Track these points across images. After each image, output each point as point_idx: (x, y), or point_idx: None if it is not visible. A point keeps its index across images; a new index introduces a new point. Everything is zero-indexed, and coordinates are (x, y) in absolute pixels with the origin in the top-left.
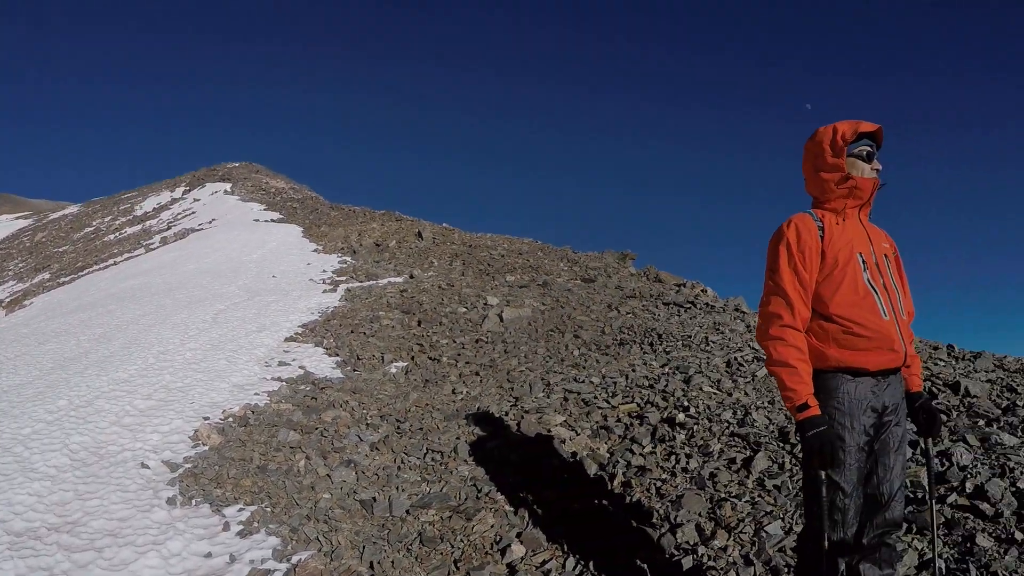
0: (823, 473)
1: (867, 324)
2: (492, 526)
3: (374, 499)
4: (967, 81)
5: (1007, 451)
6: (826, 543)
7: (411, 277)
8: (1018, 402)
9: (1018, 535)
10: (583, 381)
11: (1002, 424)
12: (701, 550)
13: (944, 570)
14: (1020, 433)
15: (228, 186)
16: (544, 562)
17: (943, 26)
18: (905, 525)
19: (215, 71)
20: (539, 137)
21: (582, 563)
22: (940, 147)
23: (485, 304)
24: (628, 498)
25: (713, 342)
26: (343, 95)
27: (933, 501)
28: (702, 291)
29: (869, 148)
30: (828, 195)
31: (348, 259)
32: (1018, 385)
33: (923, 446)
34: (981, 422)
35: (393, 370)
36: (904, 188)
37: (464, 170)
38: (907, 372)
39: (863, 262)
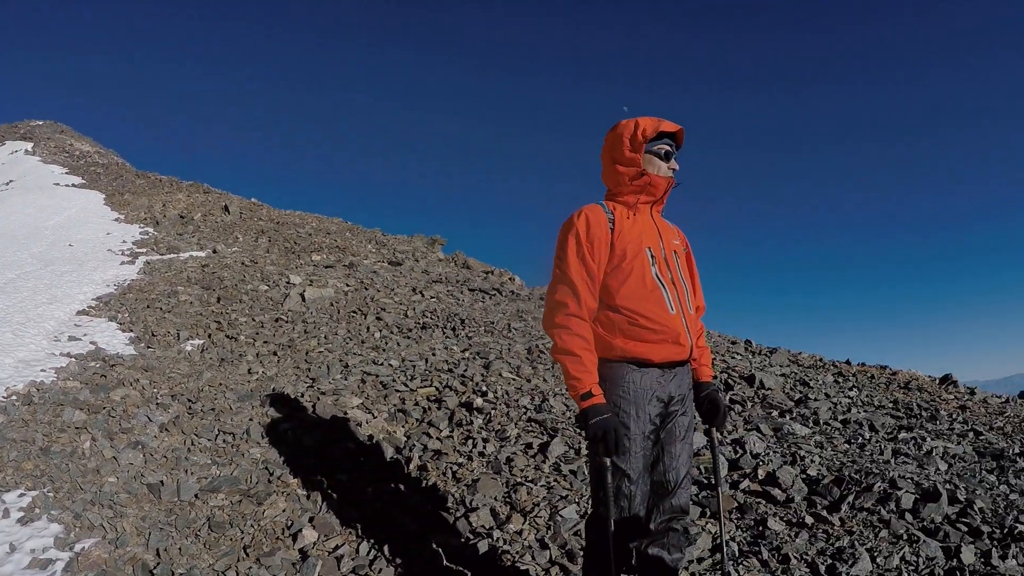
0: (608, 460)
1: (653, 317)
2: (284, 510)
3: (162, 483)
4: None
5: (798, 440)
6: (612, 528)
7: (214, 252)
8: (810, 395)
9: (808, 519)
10: (382, 364)
11: (795, 415)
12: (496, 534)
13: (736, 552)
14: (812, 424)
15: (29, 145)
16: (337, 547)
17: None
18: (700, 510)
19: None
20: (358, 112)
21: (376, 548)
22: (727, 147)
23: (288, 283)
24: (424, 482)
25: (516, 329)
26: (160, 57)
27: (720, 489)
28: (509, 279)
29: (668, 147)
30: (621, 188)
31: (150, 230)
32: (811, 380)
33: (711, 435)
34: (775, 413)
35: (188, 348)
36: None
37: (279, 142)
38: (696, 364)
39: (652, 257)
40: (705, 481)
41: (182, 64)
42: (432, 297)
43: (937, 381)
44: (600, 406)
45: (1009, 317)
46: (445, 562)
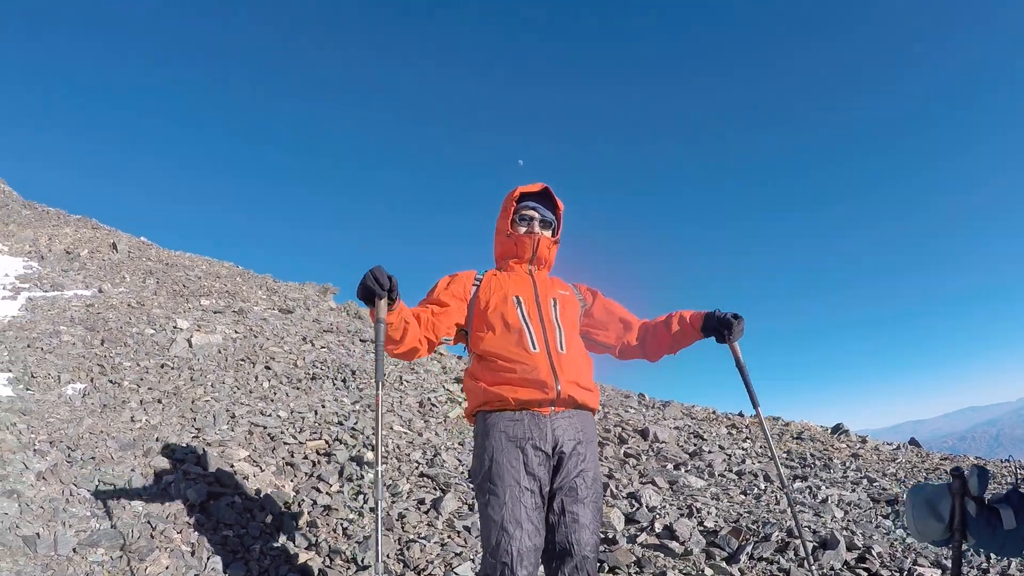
0: (487, 513)
1: (512, 356)
2: (167, 567)
3: (38, 535)
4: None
5: (694, 492)
6: None
7: (100, 291)
8: (705, 447)
9: (708, 571)
10: (270, 415)
11: (689, 468)
12: None
13: None
14: (707, 476)
15: None
16: None
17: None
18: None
19: None
20: (253, 154)
21: None
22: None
23: (175, 327)
24: (314, 538)
25: (407, 381)
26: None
27: (759, 409)
28: None
29: (530, 213)
30: (498, 250)
31: (34, 265)
32: (704, 432)
33: (734, 350)
34: (670, 465)
35: (69, 391)
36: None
37: (169, 180)
38: (680, 323)
39: (519, 302)
40: (602, 535)
41: (73, 89)
42: (323, 347)
43: (829, 431)
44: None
45: (896, 368)
46: None
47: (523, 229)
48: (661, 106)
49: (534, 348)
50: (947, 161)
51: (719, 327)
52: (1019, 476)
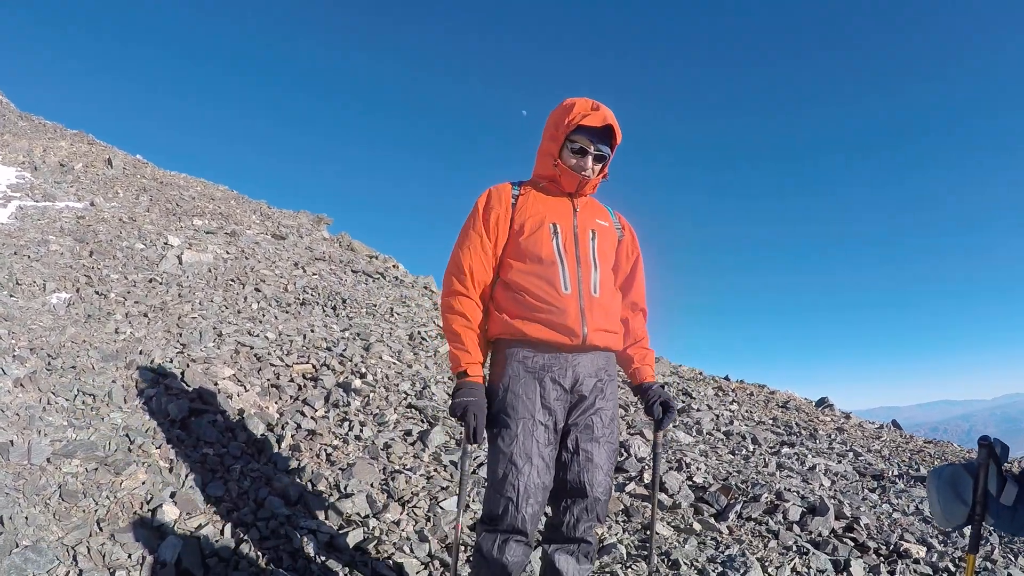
0: (496, 445)
1: (540, 295)
2: (143, 483)
3: (11, 443)
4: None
5: (683, 448)
6: (500, 523)
7: (92, 204)
8: (693, 405)
9: (696, 526)
10: (258, 335)
11: (677, 424)
12: (372, 523)
13: (625, 555)
14: (695, 433)
15: None
16: (200, 527)
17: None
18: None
19: None
20: (257, 82)
21: (242, 530)
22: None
23: (166, 243)
24: (296, 462)
25: (398, 314)
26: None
27: (655, 493)
28: (393, 265)
29: (586, 144)
30: (539, 169)
31: (27, 175)
32: (693, 391)
33: (656, 438)
34: None
35: (54, 300)
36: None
37: (169, 101)
38: (637, 363)
39: (555, 231)
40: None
41: (81, 6)
42: (314, 274)
43: (814, 403)
44: (468, 385)
45: (878, 353)
46: (316, 550)
47: (573, 162)
48: (666, 77)
49: (566, 289)
50: (959, 155)
51: (651, 412)
52: None
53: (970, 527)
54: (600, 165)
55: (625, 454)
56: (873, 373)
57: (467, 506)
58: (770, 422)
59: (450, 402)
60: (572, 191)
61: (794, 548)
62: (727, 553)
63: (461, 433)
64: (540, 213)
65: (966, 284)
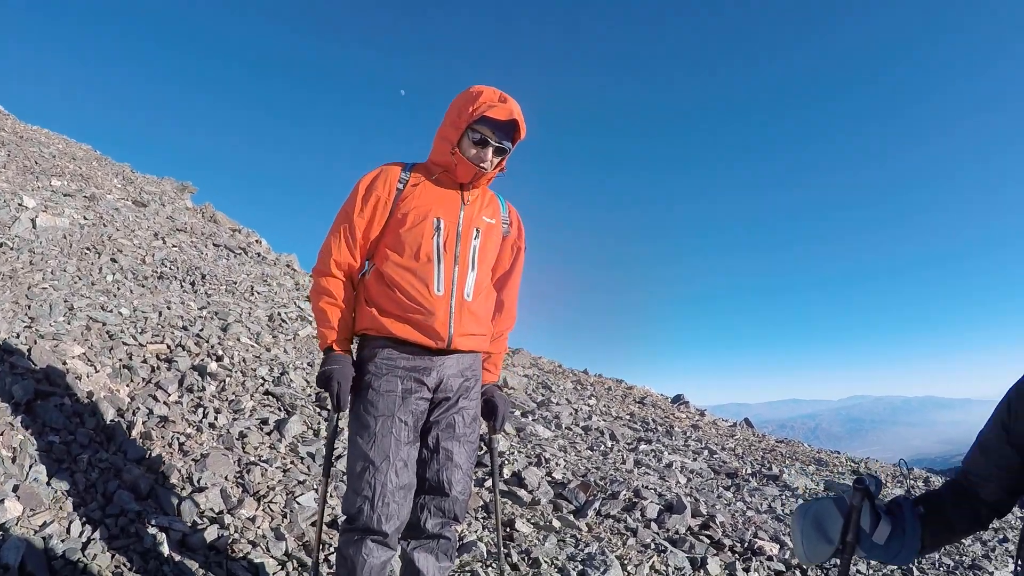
0: (355, 442)
1: (413, 296)
2: None
3: None
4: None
5: (542, 442)
6: (358, 524)
7: None
8: (552, 399)
9: (556, 523)
10: (111, 311)
11: (537, 417)
12: (227, 519)
13: (485, 553)
14: (554, 428)
15: None
16: (45, 524)
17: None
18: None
19: None
20: (126, 38)
21: (90, 528)
22: None
23: (20, 204)
24: (148, 452)
25: (259, 293)
26: None
27: (496, 492)
28: (256, 241)
29: (487, 135)
30: (435, 154)
31: None
32: (552, 384)
33: (488, 437)
34: (517, 412)
35: None
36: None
37: (30, 48)
38: (485, 363)
39: (438, 227)
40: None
41: None
42: (174, 246)
43: (670, 400)
44: (333, 357)
45: (730, 350)
46: (168, 549)
47: (472, 152)
48: (601, 38)
49: (438, 291)
50: (820, 141)
51: (486, 411)
52: (905, 473)
53: (839, 560)
54: (499, 159)
55: (484, 448)
56: (726, 370)
57: (327, 497)
58: (627, 418)
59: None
60: (466, 182)
61: (652, 546)
62: (587, 551)
63: (321, 420)
64: (426, 205)
65: (817, 287)
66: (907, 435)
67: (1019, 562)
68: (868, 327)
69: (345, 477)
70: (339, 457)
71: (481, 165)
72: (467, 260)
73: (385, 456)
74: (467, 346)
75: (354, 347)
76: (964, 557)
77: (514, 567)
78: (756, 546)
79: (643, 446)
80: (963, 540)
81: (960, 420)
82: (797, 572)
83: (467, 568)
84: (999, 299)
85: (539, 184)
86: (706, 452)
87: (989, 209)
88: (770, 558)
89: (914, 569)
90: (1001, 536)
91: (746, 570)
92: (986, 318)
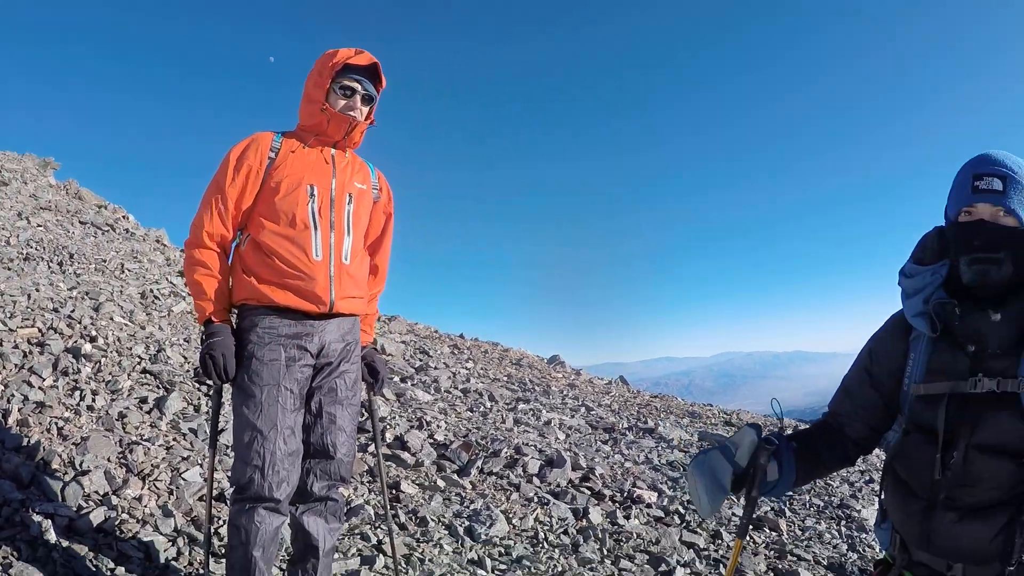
0: (242, 413)
1: (291, 262)
2: None
3: None
4: None
5: (422, 406)
6: (247, 493)
7: None
8: (430, 364)
9: (440, 483)
10: None
11: (416, 382)
12: (114, 500)
13: (373, 516)
14: (433, 392)
15: None
16: None
17: None
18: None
19: None
20: None
21: None
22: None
23: None
24: (26, 439)
25: (129, 270)
26: None
27: (380, 454)
28: (124, 216)
29: (355, 84)
30: (304, 121)
31: None
32: (429, 349)
33: (369, 400)
34: (396, 378)
35: None
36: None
37: None
38: (361, 324)
39: (312, 193)
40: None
41: None
42: (39, 225)
43: (546, 360)
44: (213, 328)
45: (603, 311)
46: (56, 536)
47: (342, 103)
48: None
49: (317, 256)
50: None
51: (369, 375)
52: (780, 418)
53: (744, 504)
54: (368, 108)
55: (365, 413)
56: (600, 331)
57: (214, 469)
58: (505, 379)
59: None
60: (340, 137)
61: (535, 499)
62: (472, 508)
63: (201, 396)
64: (298, 173)
65: (685, 246)
66: (777, 388)
67: (883, 495)
68: (739, 285)
69: (231, 449)
70: (223, 430)
71: (351, 114)
72: (342, 225)
73: (273, 424)
74: (348, 309)
75: (233, 318)
76: (833, 497)
77: (402, 527)
78: (635, 495)
79: (521, 405)
80: (832, 482)
81: (827, 373)
82: (675, 518)
83: (356, 531)
84: (862, 255)
85: (409, 148)
86: (583, 409)
87: (848, 165)
88: (649, 505)
89: (786, 510)
90: (867, 477)
91: (626, 517)
92: (852, 274)
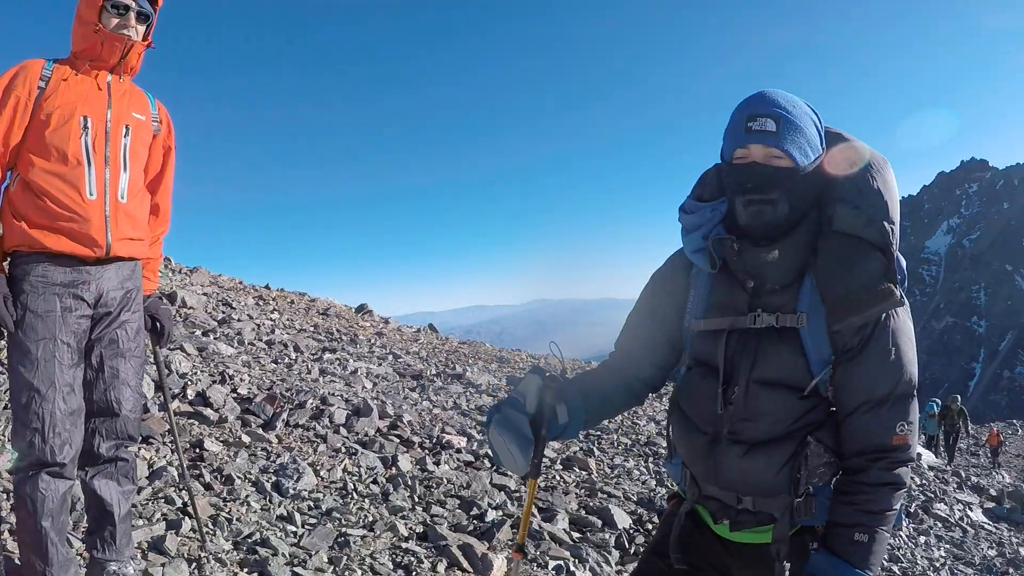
0: (17, 372)
1: (63, 202)
2: None
3: None
4: None
5: (225, 360)
6: (28, 460)
7: None
8: (234, 316)
9: (245, 438)
10: None
11: (219, 335)
12: None
13: (176, 477)
14: (237, 344)
15: None
16: None
17: None
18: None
19: None
20: None
21: None
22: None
23: None
24: None
25: None
26: None
27: (169, 408)
28: None
29: (129, 1)
30: (76, 46)
31: None
32: (233, 301)
33: (154, 352)
34: (198, 332)
35: None
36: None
37: None
38: (143, 270)
39: (85, 126)
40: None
41: None
42: None
43: (354, 310)
44: None
45: (413, 256)
46: None
47: (115, 22)
48: None
49: (91, 195)
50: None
51: (153, 327)
52: (561, 359)
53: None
54: (145, 27)
55: (167, 370)
56: (410, 280)
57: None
58: (311, 329)
59: None
60: (116, 61)
61: (343, 450)
62: (279, 462)
63: None
64: (71, 103)
65: (493, 192)
66: (588, 334)
67: (670, 429)
68: (552, 234)
69: (9, 412)
70: (6, 390)
71: (126, 33)
72: (118, 160)
73: (51, 382)
74: (127, 252)
75: (7, 266)
76: (640, 436)
77: (207, 487)
78: (444, 440)
79: (328, 355)
80: (639, 421)
81: None
82: (485, 461)
83: (160, 495)
84: (658, 196)
85: (215, 84)
86: (391, 357)
87: (632, 110)
88: (458, 451)
89: (595, 449)
90: None
91: (436, 463)
92: (646, 216)
